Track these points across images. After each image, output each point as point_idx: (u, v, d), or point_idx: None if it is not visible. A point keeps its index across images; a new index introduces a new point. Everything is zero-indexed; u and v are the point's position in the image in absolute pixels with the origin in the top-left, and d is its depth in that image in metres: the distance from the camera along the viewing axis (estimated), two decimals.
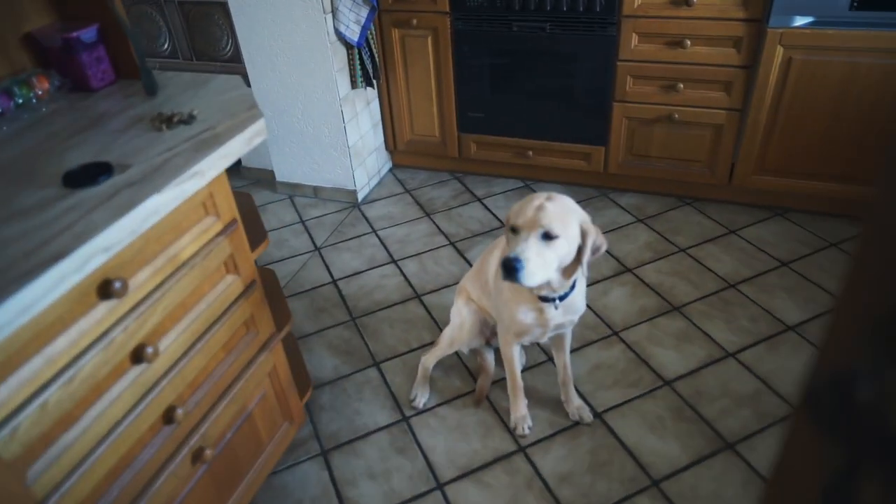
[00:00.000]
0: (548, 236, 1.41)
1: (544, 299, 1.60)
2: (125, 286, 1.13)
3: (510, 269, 1.39)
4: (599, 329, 2.23)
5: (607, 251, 2.60)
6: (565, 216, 1.44)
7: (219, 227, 1.39)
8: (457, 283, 2.49)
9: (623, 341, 2.17)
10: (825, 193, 2.59)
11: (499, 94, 2.88)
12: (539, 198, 1.46)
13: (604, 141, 2.82)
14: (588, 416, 1.90)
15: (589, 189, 3.02)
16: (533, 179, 3.12)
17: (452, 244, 2.72)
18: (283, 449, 1.73)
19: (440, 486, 1.76)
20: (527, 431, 1.88)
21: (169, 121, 1.38)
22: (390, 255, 2.68)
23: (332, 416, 1.99)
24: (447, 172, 3.25)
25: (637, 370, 2.06)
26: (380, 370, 2.14)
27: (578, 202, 2.99)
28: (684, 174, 2.78)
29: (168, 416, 1.30)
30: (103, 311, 1.12)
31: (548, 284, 1.54)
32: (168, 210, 1.17)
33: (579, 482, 1.74)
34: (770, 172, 2.62)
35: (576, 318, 1.72)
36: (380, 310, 2.40)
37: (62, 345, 1.06)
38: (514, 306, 1.66)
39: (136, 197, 1.12)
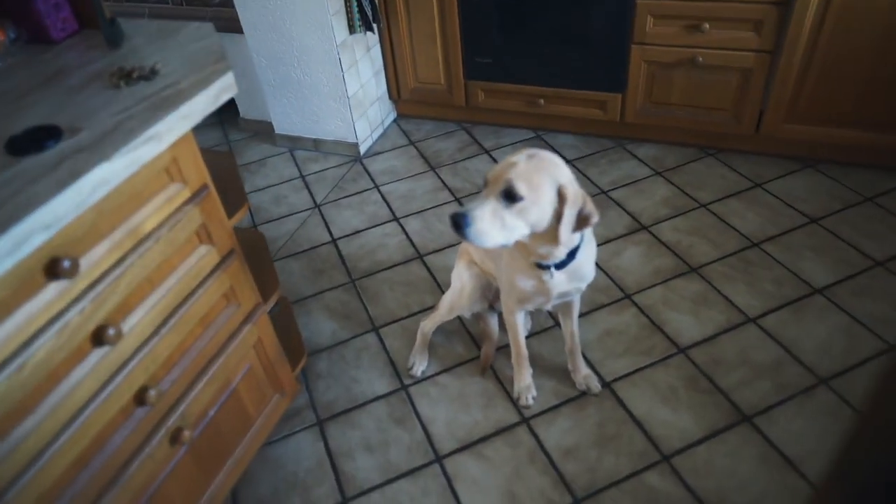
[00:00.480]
0: (510, 196, 1.26)
1: (540, 266, 1.47)
2: (75, 265, 1.02)
3: (455, 223, 1.27)
4: (611, 292, 2.10)
5: (622, 207, 2.44)
6: (536, 177, 1.28)
7: (186, 194, 1.27)
8: (459, 242, 2.36)
9: (636, 305, 2.05)
10: (863, 143, 2.38)
11: (507, 38, 2.67)
12: (519, 154, 1.32)
13: (621, 87, 2.62)
14: (596, 385, 1.80)
15: (604, 140, 2.84)
16: (545, 129, 2.94)
17: (458, 200, 2.58)
18: (275, 421, 1.66)
19: (439, 460, 1.69)
20: (531, 402, 1.79)
21: (128, 76, 1.24)
22: (392, 213, 2.56)
23: (329, 383, 1.91)
24: (454, 122, 3.08)
25: (650, 337, 1.94)
26: (379, 335, 2.05)
27: (593, 153, 2.87)
28: (708, 123, 2.58)
29: (140, 398, 1.22)
30: (53, 293, 1.02)
31: (540, 250, 1.40)
32: (120, 180, 1.05)
33: (585, 456, 1.66)
34: (802, 120, 2.42)
35: (583, 285, 1.59)
36: (380, 271, 2.29)
37: (7, 331, 0.96)
38: (512, 272, 1.54)
39: (83, 166, 1.00)
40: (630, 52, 2.51)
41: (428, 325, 1.94)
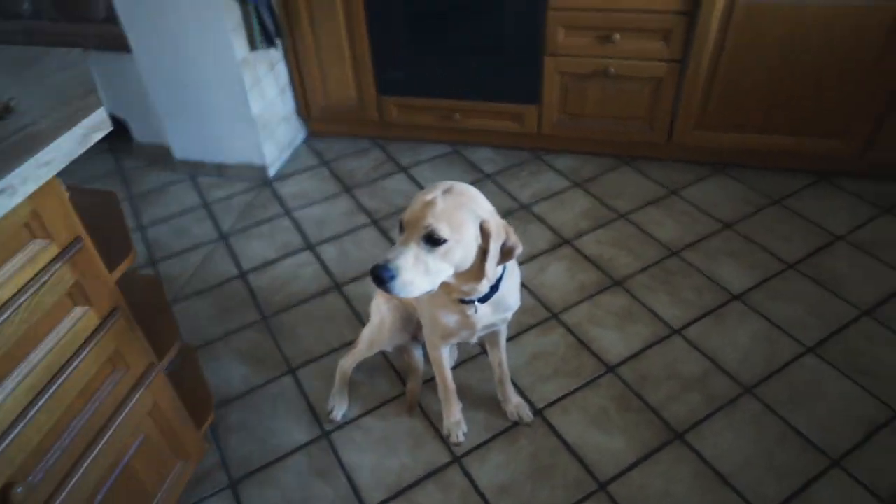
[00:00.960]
0: (432, 240, 1.17)
1: (463, 301, 1.38)
2: None
3: (378, 277, 1.15)
4: (537, 312, 2.05)
5: (543, 221, 2.40)
6: (457, 215, 1.19)
7: (53, 251, 1.10)
8: None
9: (563, 324, 2.00)
10: (768, 147, 2.45)
11: (419, 51, 2.59)
12: (434, 190, 1.22)
13: (536, 99, 2.58)
14: (528, 415, 1.74)
15: (522, 152, 2.80)
16: (462, 143, 2.87)
17: (375, 222, 2.47)
18: (179, 492, 1.49)
19: None
20: (461, 439, 1.70)
21: None
22: (306, 240, 2.41)
23: (243, 437, 1.76)
24: (368, 139, 2.96)
25: (578, 356, 1.90)
26: (296, 378, 1.91)
27: (512, 166, 2.82)
28: (622, 132, 2.58)
29: (4, 498, 1.04)
30: None
31: (463, 288, 1.32)
32: None
33: (520, 492, 1.58)
34: (711, 127, 2.46)
35: (508, 315, 1.52)
36: (295, 305, 2.14)
37: None
38: (434, 308, 1.44)
39: None
40: (543, 64, 2.48)
41: (347, 363, 1.82)
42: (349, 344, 1.97)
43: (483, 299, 1.38)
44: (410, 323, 1.80)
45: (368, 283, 2.17)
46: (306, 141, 2.99)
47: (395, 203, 2.55)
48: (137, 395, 1.31)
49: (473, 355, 1.93)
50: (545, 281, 2.15)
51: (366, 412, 1.80)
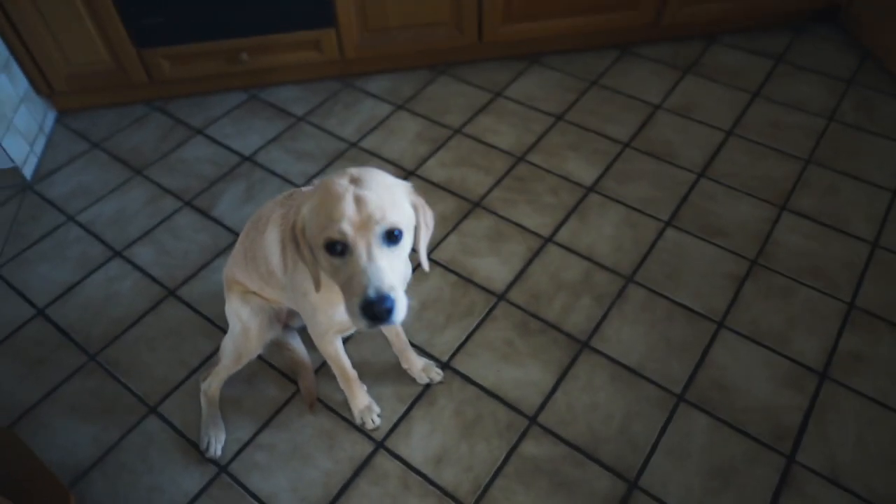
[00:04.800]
0: (391, 236, 0.99)
1: None
2: None
3: (382, 315, 0.94)
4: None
5: (379, 156, 2.19)
6: (396, 198, 1.02)
7: None
8: (218, 256, 1.91)
9: (438, 264, 1.87)
10: (574, 30, 2.42)
11: None
12: (341, 186, 0.99)
13: (331, 21, 2.27)
14: (437, 373, 1.62)
15: (330, 83, 2.50)
16: (259, 86, 2.49)
17: (189, 203, 2.08)
18: None
19: None
20: (377, 422, 1.54)
21: None
22: (108, 247, 1.96)
23: None
24: (143, 105, 2.44)
25: (465, 294, 1.80)
26: (160, 416, 1.58)
27: (324, 102, 2.50)
28: (432, 40, 2.39)
29: None
30: None
31: None
32: None
33: (457, 456, 1.49)
34: (518, 19, 2.36)
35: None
36: (126, 330, 1.75)
37: None
38: (327, 307, 1.22)
39: None
40: None
41: (212, 384, 1.53)
42: (211, 357, 1.67)
43: None
44: (279, 316, 1.55)
45: (207, 275, 1.84)
46: (60, 122, 2.38)
47: (203, 174, 2.16)
48: None
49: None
50: None
51: (261, 428, 1.55)
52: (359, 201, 0.97)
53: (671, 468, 1.45)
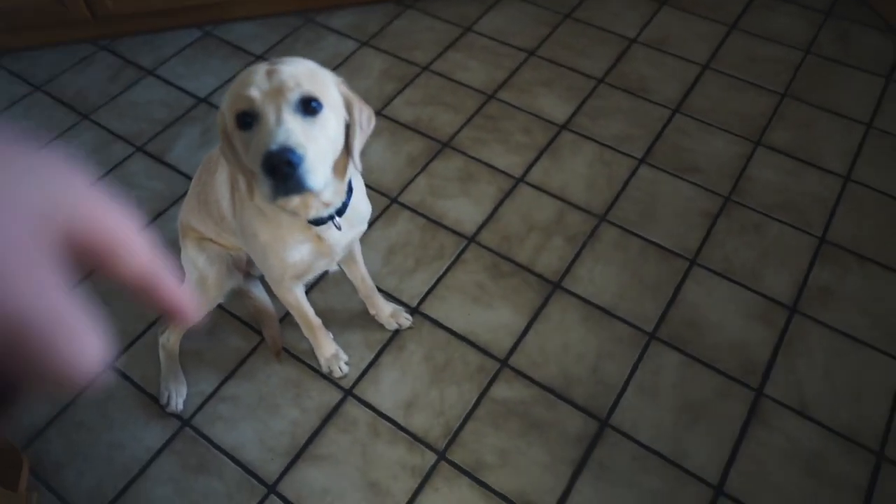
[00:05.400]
0: (307, 106, 0.89)
1: (317, 222, 1.11)
2: None
3: (283, 170, 0.84)
4: (374, 201, 1.81)
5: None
6: (318, 76, 0.94)
7: None
8: (174, 204, 1.82)
9: (406, 207, 1.81)
10: None
11: None
12: (260, 66, 0.92)
13: None
14: (406, 318, 1.57)
15: (290, 18, 2.35)
16: (214, 23, 2.34)
17: (141, 149, 1.96)
18: None
19: (271, 489, 1.35)
20: (345, 370, 1.50)
21: None
22: None
23: (81, 466, 1.39)
24: (89, 43, 2.28)
25: (434, 237, 1.74)
26: (118, 371, 1.52)
27: (284, 39, 2.36)
28: None
29: None
30: None
31: (318, 198, 1.04)
32: None
33: (428, 401, 1.46)
34: None
35: (364, 226, 1.27)
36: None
37: None
38: (278, 247, 1.15)
39: None
40: None
41: (170, 338, 1.47)
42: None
43: (340, 211, 1.11)
44: (238, 264, 1.49)
45: (164, 222, 1.76)
46: None
47: (157, 118, 2.04)
48: None
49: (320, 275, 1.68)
50: (370, 164, 1.90)
51: (224, 379, 1.51)
52: (271, 73, 0.89)
53: (642, 405, 1.45)
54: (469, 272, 1.67)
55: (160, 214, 1.80)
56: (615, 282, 1.65)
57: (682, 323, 1.57)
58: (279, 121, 0.87)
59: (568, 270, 1.67)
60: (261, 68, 0.90)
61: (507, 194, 1.83)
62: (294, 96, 0.88)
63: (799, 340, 1.54)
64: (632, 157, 1.91)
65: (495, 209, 1.80)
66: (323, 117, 0.91)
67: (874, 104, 2.02)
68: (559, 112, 2.02)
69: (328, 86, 0.95)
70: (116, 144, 1.97)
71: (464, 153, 1.93)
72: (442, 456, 1.38)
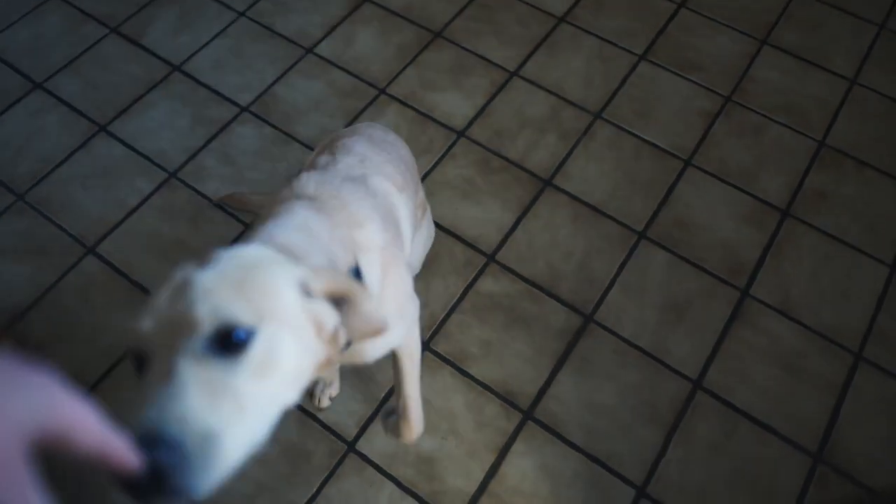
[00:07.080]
0: (228, 342, 0.54)
1: None
2: None
3: (148, 482, 0.46)
4: (361, 91, 1.74)
5: None
6: (257, 281, 0.59)
7: None
8: (151, 90, 1.73)
9: (395, 99, 1.73)
10: None
11: None
12: (180, 272, 0.60)
13: None
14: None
15: None
16: None
17: (115, 31, 1.85)
18: None
19: None
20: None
21: None
22: (27, 78, 1.76)
23: (65, 349, 1.38)
24: None
25: (424, 131, 1.69)
26: (99, 257, 1.50)
27: None
28: None
29: None
30: None
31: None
32: None
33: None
34: None
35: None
36: (55, 168, 1.61)
37: None
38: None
39: None
40: None
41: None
42: (150, 197, 1.56)
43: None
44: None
45: (144, 113, 1.69)
46: None
47: None
48: None
49: None
50: (357, 54, 1.81)
51: None
52: (181, 290, 0.57)
53: (627, 303, 1.45)
54: (458, 167, 1.63)
55: (139, 100, 1.71)
56: (607, 180, 1.61)
57: (673, 223, 1.55)
58: (167, 376, 0.52)
59: (560, 167, 1.63)
60: (176, 277, 0.59)
61: (501, 88, 1.75)
62: (205, 329, 0.54)
63: (788, 243, 1.53)
64: (632, 52, 1.82)
65: (487, 103, 1.73)
66: (256, 353, 0.55)
67: (889, 4, 1.92)
68: (559, 3, 1.91)
69: (274, 295, 0.59)
70: (89, 24, 1.86)
71: (456, 44, 1.83)
72: (426, 346, 1.39)
